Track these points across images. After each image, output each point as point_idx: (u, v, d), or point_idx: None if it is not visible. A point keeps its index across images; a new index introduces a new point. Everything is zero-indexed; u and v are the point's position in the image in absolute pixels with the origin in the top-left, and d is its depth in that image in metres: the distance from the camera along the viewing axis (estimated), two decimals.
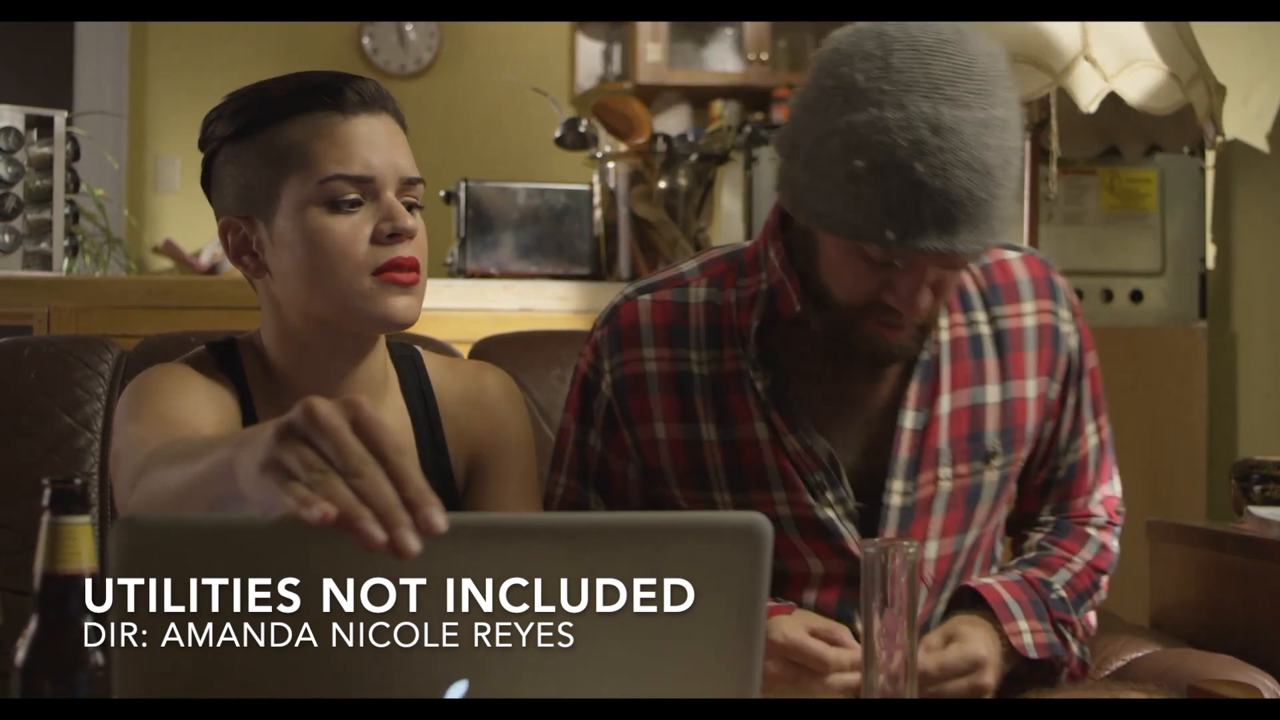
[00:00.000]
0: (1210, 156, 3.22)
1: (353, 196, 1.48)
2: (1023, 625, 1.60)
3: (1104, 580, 1.74)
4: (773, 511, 1.59)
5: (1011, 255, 1.68)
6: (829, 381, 1.61)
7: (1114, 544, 1.76)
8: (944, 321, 1.62)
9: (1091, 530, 1.74)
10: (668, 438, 1.64)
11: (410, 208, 1.51)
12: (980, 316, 1.65)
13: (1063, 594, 1.66)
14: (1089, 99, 2.67)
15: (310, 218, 1.47)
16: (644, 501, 1.67)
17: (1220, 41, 3.07)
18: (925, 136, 1.40)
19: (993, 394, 1.63)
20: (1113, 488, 1.77)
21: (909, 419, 1.60)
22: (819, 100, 1.48)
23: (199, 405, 1.50)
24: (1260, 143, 3.12)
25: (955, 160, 1.41)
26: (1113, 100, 2.73)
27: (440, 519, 0.93)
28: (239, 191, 1.52)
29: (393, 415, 1.59)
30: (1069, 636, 1.65)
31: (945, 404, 1.61)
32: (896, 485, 1.60)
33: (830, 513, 1.60)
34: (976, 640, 1.55)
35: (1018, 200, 1.52)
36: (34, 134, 2.76)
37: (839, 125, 1.45)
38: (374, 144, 1.49)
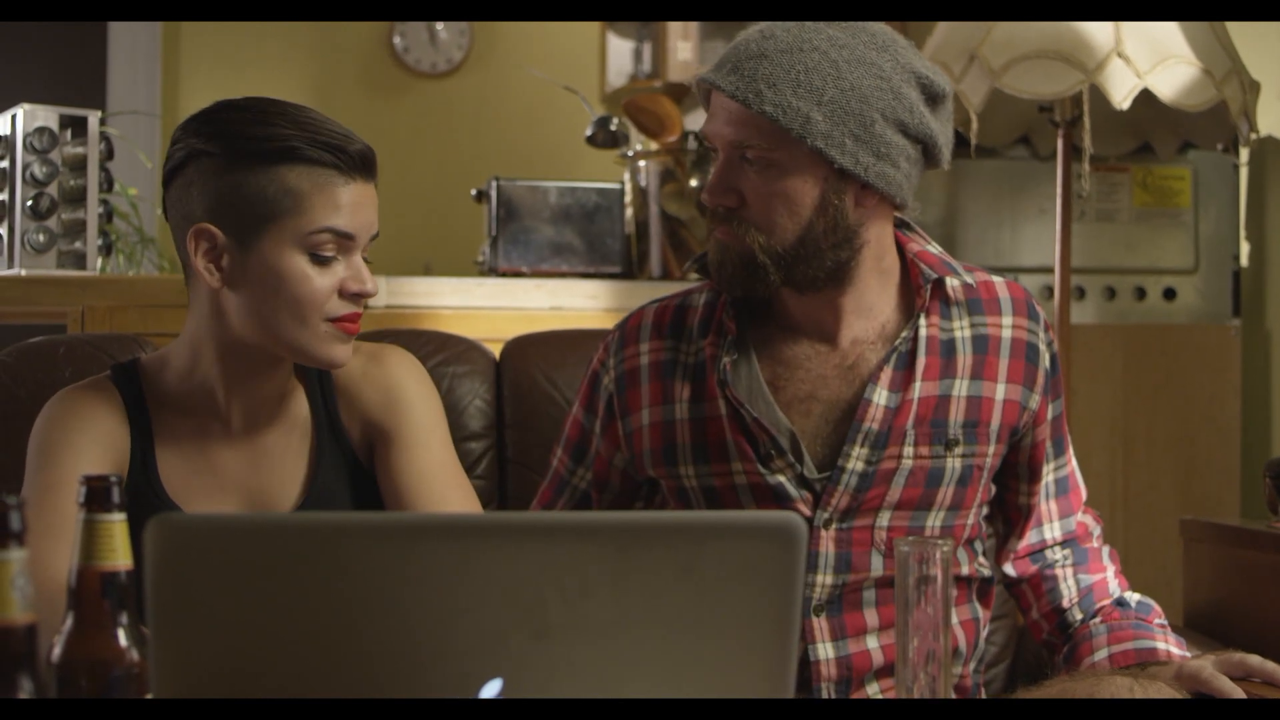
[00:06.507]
0: (1244, 153, 3.20)
1: (332, 250, 1.62)
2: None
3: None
4: (729, 481, 1.74)
5: (996, 279, 1.83)
6: (800, 365, 1.75)
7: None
8: (923, 320, 1.74)
9: (1096, 543, 1.88)
10: (649, 422, 1.79)
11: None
12: (959, 324, 1.77)
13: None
14: (1122, 96, 2.66)
15: (293, 261, 1.61)
16: (622, 482, 1.86)
17: (1254, 37, 3.06)
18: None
19: (960, 388, 1.75)
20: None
21: (879, 395, 1.71)
22: None
23: (81, 456, 1.63)
24: None
25: (760, 29, 1.68)
26: (1145, 97, 2.71)
27: None
28: (217, 205, 1.61)
29: (293, 397, 1.74)
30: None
31: (917, 390, 1.72)
32: (856, 451, 1.70)
33: (780, 478, 1.71)
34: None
35: (827, 112, 1.64)
36: (68, 134, 2.77)
37: None
38: (361, 207, 1.64)
